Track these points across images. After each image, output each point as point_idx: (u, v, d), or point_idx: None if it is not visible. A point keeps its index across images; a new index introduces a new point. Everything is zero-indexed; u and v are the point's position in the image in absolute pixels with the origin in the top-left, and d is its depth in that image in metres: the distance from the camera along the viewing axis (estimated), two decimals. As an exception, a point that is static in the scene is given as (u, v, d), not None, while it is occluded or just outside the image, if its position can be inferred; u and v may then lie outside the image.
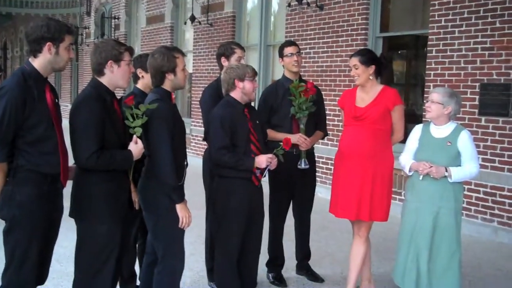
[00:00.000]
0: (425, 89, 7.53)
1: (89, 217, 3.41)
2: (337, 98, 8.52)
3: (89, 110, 3.31)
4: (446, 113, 4.31)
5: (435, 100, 4.30)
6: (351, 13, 8.68)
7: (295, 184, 5.04)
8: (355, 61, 4.50)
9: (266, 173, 4.38)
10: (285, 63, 5.09)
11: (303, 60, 9.50)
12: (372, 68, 4.48)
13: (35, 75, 3.30)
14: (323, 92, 9.08)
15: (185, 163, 3.90)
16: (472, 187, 6.97)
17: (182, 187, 3.82)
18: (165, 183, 3.64)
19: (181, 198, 3.72)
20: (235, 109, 4.31)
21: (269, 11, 11.09)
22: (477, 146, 6.85)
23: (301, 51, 5.21)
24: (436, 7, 7.36)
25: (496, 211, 6.81)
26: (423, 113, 6.69)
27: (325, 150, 8.53)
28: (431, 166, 4.22)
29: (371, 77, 4.50)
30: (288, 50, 5.07)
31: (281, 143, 4.34)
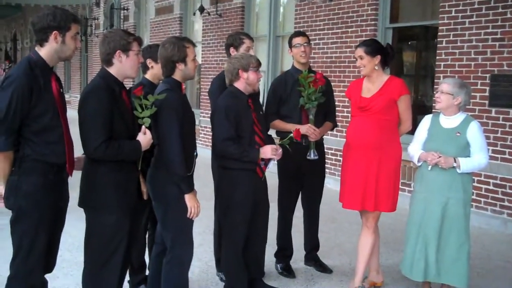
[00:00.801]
0: (435, 80, 7.49)
1: (97, 207, 3.42)
2: (345, 89, 8.50)
3: (97, 100, 3.31)
4: (456, 104, 4.29)
5: (445, 91, 4.28)
6: (361, 4, 8.63)
7: (304, 175, 5.03)
8: (360, 51, 4.49)
9: (271, 164, 4.38)
10: (294, 54, 5.07)
11: (313, 51, 9.48)
12: (377, 58, 4.45)
13: (41, 64, 3.30)
14: (332, 83, 9.07)
15: (195, 153, 3.90)
16: (482, 178, 6.94)
17: (191, 177, 3.82)
18: (174, 173, 3.65)
19: (189, 188, 3.72)
20: (239, 99, 4.30)
21: (278, 1, 11.06)
22: (487, 137, 6.82)
23: (310, 42, 5.18)
24: (447, -3, 7.31)
25: (506, 203, 6.78)
26: (433, 104, 6.66)
27: (334, 141, 8.52)
28: (440, 157, 4.21)
29: (376, 68, 4.48)
30: (296, 40, 5.06)
31: (291, 134, 4.34)
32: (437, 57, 7.51)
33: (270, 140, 4.43)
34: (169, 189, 3.71)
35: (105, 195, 3.39)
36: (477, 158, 4.24)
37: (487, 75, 6.90)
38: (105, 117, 3.29)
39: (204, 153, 6.34)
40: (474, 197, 6.98)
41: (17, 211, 3.30)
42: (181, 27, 14.19)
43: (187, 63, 3.80)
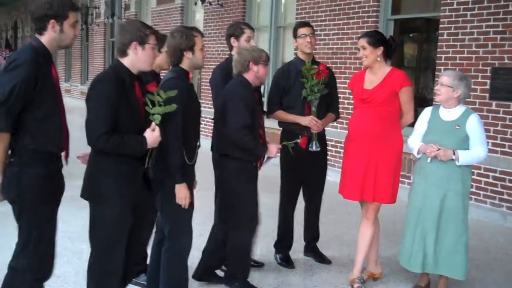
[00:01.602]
0: (436, 73, 7.49)
1: (100, 200, 3.40)
2: (347, 80, 8.46)
3: (103, 90, 3.27)
4: (456, 96, 4.30)
5: (445, 83, 4.29)
6: (363, -5, 8.62)
7: (305, 167, 5.04)
8: (363, 42, 4.49)
9: (270, 161, 4.41)
10: (299, 44, 5.07)
11: (314, 42, 9.48)
12: (380, 50, 4.46)
13: (43, 51, 3.29)
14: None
15: (198, 143, 3.91)
16: (482, 171, 6.96)
17: (191, 167, 3.83)
18: (170, 162, 3.65)
19: (181, 179, 3.69)
20: (250, 90, 4.32)
21: (280, -8, 11.04)
22: (487, 130, 6.83)
23: (315, 33, 5.19)
24: (449, -11, 7.30)
25: (505, 196, 6.80)
26: (434, 97, 6.67)
27: (334, 133, 8.52)
28: (439, 149, 4.22)
29: (378, 59, 4.48)
30: (302, 31, 5.05)
31: (298, 140, 4.37)
32: (438, 50, 7.50)
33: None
34: (168, 179, 3.72)
35: (107, 188, 3.36)
36: (476, 151, 4.26)
37: (488, 68, 6.90)
38: (110, 107, 3.24)
39: (204, 143, 6.35)
40: (473, 190, 7.00)
41: (20, 203, 3.29)
42: (182, 17, 14.16)
43: (195, 52, 3.81)
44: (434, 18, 8.11)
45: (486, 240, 6.16)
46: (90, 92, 3.33)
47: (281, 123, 5.09)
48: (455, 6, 7.23)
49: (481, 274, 5.11)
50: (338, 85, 8.41)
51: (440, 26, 7.46)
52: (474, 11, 7.01)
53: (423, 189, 4.38)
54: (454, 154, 4.21)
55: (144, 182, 3.57)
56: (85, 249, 5.21)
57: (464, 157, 4.22)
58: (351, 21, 8.84)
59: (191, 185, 3.83)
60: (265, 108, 5.18)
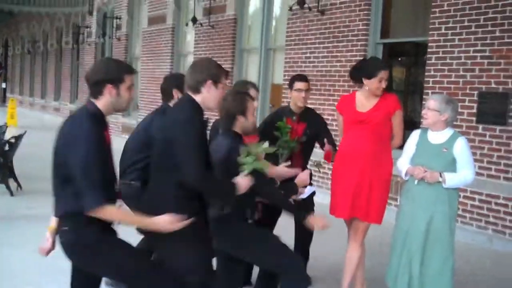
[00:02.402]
0: (424, 96, 7.55)
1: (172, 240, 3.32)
2: (335, 103, 8.54)
3: (195, 129, 3.29)
4: (443, 120, 4.33)
5: (432, 107, 4.32)
6: (352, 19, 8.71)
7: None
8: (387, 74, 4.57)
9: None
10: (293, 96, 5.09)
11: (303, 64, 9.57)
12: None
13: (100, 115, 3.23)
14: (322, 97, 9.14)
15: None
16: (468, 194, 6.99)
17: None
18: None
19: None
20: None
21: (270, 14, 11.13)
22: (474, 154, 6.86)
23: (310, 88, 5.24)
24: (437, 14, 7.40)
25: (491, 219, 6.83)
26: (421, 120, 6.71)
27: (320, 154, 8.52)
28: (426, 171, 4.24)
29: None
30: (298, 85, 5.05)
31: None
32: (426, 74, 7.58)
33: None
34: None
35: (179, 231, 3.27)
36: (463, 173, 4.28)
37: (475, 92, 6.97)
38: (203, 147, 3.30)
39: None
40: (459, 212, 7.01)
41: (93, 261, 3.20)
42: (173, 38, 14.24)
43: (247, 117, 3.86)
44: (423, 42, 8.21)
45: (472, 262, 6.17)
46: (180, 132, 3.28)
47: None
48: (443, 31, 7.32)
49: (467, 297, 5.11)
50: (326, 107, 8.50)
51: (428, 50, 7.55)
52: (462, 35, 7.11)
53: (410, 211, 4.39)
54: (441, 176, 4.23)
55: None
56: (69, 267, 5.20)
57: (451, 179, 4.24)
58: (340, 44, 8.92)
59: None
60: None
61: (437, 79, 7.39)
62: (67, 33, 23.82)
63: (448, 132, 4.37)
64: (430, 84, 7.48)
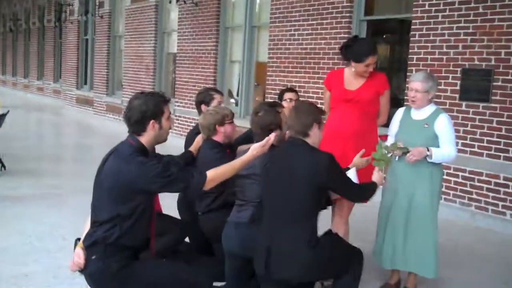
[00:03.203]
0: (408, 73, 7.56)
1: None
2: (321, 80, 8.54)
3: (338, 164, 3.65)
4: (429, 98, 4.36)
5: (420, 90, 4.31)
6: (336, -4, 8.66)
7: None
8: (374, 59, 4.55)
9: None
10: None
11: (288, 41, 9.53)
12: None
13: (143, 151, 3.27)
14: (306, 75, 9.13)
15: None
16: (451, 171, 7.05)
17: None
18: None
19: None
20: (222, 150, 4.40)
21: (254, -9, 11.04)
22: (457, 131, 6.91)
23: (299, 98, 5.40)
24: (421, -9, 7.38)
25: (474, 196, 6.90)
26: (405, 97, 6.74)
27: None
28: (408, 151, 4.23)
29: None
30: (288, 95, 5.30)
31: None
32: (410, 51, 7.58)
33: None
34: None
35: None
36: (447, 149, 4.30)
37: (459, 69, 6.99)
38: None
39: (176, 142, 6.34)
40: (443, 189, 7.08)
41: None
42: (157, 16, 14.08)
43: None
44: (406, 19, 8.21)
45: (455, 239, 6.24)
46: (333, 169, 3.54)
47: None
48: (426, 8, 7.31)
49: (450, 273, 5.17)
50: (311, 85, 8.51)
51: (412, 27, 7.54)
52: (445, 12, 7.10)
53: (393, 187, 4.42)
54: (428, 150, 4.24)
55: None
56: (53, 248, 5.21)
57: (435, 154, 4.24)
58: (324, 21, 8.88)
59: None
60: None
61: (421, 56, 7.40)
62: (49, 11, 23.47)
63: (431, 109, 4.39)
64: (414, 61, 7.48)
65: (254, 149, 3.53)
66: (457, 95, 7.01)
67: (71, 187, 7.67)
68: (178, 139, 4.96)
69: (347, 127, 4.49)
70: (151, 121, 3.24)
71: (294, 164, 3.51)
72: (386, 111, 4.69)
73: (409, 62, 7.60)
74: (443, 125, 4.31)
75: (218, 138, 4.40)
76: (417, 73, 4.52)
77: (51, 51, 23.52)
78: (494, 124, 6.68)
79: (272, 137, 3.59)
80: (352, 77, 4.59)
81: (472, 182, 6.91)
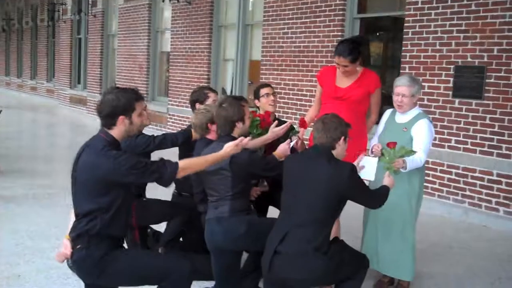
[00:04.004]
0: (401, 71, 7.57)
1: None
2: (314, 78, 8.55)
3: (357, 173, 3.74)
4: (414, 102, 4.36)
5: (407, 94, 4.29)
6: (329, -6, 8.66)
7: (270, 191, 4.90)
8: (345, 61, 4.49)
9: None
10: (262, 104, 5.01)
11: (281, 39, 9.53)
12: (359, 61, 4.54)
13: (114, 144, 3.33)
14: (300, 73, 9.13)
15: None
16: (445, 168, 7.06)
17: None
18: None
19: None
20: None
21: (247, -10, 11.03)
22: (450, 127, 6.95)
23: (275, 92, 5.17)
24: (413, -12, 7.39)
25: (468, 192, 6.91)
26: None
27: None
28: (382, 149, 4.18)
29: (358, 68, 4.60)
30: (265, 91, 5.03)
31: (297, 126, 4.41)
32: (403, 48, 7.59)
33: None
34: None
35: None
36: (418, 156, 4.17)
37: (451, 67, 7.00)
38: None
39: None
40: (436, 186, 7.12)
41: (106, 268, 3.29)
42: (150, 14, 14.05)
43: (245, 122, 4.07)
44: (399, 16, 8.21)
45: (449, 235, 6.26)
46: (355, 180, 3.62)
47: None
48: (419, 5, 7.32)
49: (443, 269, 5.19)
50: (304, 83, 8.51)
51: (405, 24, 7.55)
52: (438, 10, 7.11)
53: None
54: (404, 162, 4.11)
55: None
56: (46, 248, 5.19)
57: (409, 164, 4.14)
58: (317, 19, 8.88)
59: None
60: None
61: (414, 53, 7.41)
62: (42, 10, 23.40)
63: (413, 112, 4.36)
64: (407, 59, 7.49)
65: (228, 147, 3.59)
66: (450, 92, 7.02)
67: (64, 187, 7.60)
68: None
69: None
70: (121, 117, 3.30)
71: (318, 173, 3.57)
72: (377, 111, 4.70)
73: (402, 60, 7.60)
74: (420, 130, 4.26)
75: (211, 136, 4.38)
76: (402, 77, 4.49)
77: (44, 51, 23.44)
78: (487, 121, 6.69)
79: (245, 140, 3.64)
80: (344, 75, 4.59)
81: (465, 179, 6.92)
